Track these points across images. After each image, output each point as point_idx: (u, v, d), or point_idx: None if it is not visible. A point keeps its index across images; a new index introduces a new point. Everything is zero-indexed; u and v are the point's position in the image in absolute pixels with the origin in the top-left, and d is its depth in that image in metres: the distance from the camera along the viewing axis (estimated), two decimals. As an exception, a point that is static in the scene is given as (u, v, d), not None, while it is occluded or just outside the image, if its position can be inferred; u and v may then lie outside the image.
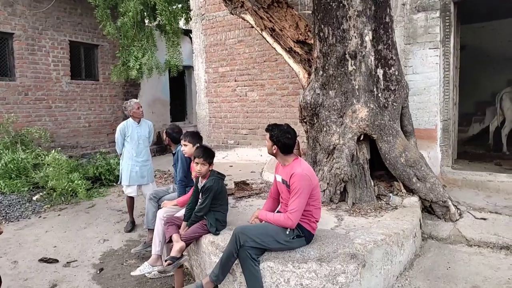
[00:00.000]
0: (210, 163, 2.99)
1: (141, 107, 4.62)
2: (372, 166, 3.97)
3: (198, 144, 3.37)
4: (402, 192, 3.81)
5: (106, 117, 9.34)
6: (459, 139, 5.70)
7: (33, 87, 7.77)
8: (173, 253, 2.82)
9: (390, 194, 3.80)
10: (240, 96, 7.13)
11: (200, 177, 3.03)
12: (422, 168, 3.80)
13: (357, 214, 3.40)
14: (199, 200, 2.99)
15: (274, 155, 2.71)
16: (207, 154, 2.97)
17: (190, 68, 10.80)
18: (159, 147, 9.98)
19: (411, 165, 3.77)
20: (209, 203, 2.88)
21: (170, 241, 2.96)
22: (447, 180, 4.88)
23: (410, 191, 3.81)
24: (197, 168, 2.95)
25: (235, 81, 7.15)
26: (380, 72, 3.90)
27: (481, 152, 6.84)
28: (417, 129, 4.57)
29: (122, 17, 7.95)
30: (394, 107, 3.95)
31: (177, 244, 2.85)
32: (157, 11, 8.35)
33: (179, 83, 11.95)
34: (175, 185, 3.90)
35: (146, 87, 10.26)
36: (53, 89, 8.12)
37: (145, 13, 8.63)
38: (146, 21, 8.93)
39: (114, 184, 6.28)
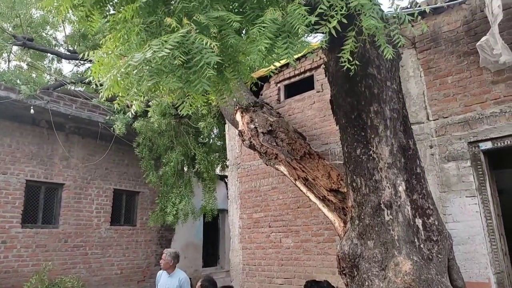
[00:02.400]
0: None
1: (164, 259, 4.62)
2: (424, 327, 3.55)
3: None
4: None
5: (139, 263, 9.27)
6: (518, 292, 5.14)
7: (73, 234, 8.04)
8: None
9: None
10: (275, 243, 7.00)
11: None
12: (483, 331, 3.36)
13: None
14: None
15: (315, 317, 2.52)
16: None
17: (224, 211, 11.01)
18: (189, 295, 9.53)
19: (470, 327, 3.35)
20: None
21: None
22: None
23: None
24: None
25: (269, 227, 7.13)
26: (419, 222, 3.82)
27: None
28: (468, 283, 4.20)
29: (164, 167, 8.62)
30: (440, 259, 3.73)
31: None
32: (196, 160, 9.04)
33: (213, 226, 12.03)
34: None
35: (180, 232, 10.37)
36: (91, 236, 8.35)
37: (185, 162, 9.33)
38: (185, 168, 9.59)
39: None
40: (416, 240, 3.75)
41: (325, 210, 4.84)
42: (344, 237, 4.13)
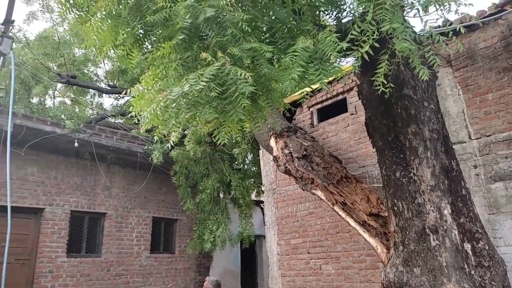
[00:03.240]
0: None
1: (206, 287, 4.65)
2: None
3: None
4: None
5: (178, 291, 9.29)
6: None
7: (115, 262, 8.21)
8: None
9: None
10: (314, 270, 6.83)
11: None
12: None
13: None
14: None
15: None
16: None
17: (260, 237, 10.92)
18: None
19: None
20: None
21: None
22: None
23: None
24: None
25: (308, 253, 6.99)
26: (467, 246, 3.62)
27: None
28: (528, 312, 3.89)
29: (200, 194, 8.73)
30: (493, 287, 3.50)
31: None
32: (232, 187, 9.10)
33: (250, 253, 11.92)
34: None
35: (218, 259, 10.34)
36: (132, 264, 8.49)
37: (220, 189, 9.41)
38: (221, 195, 9.66)
39: None
40: (466, 266, 3.55)
41: (366, 235, 4.70)
42: (388, 264, 3.98)
